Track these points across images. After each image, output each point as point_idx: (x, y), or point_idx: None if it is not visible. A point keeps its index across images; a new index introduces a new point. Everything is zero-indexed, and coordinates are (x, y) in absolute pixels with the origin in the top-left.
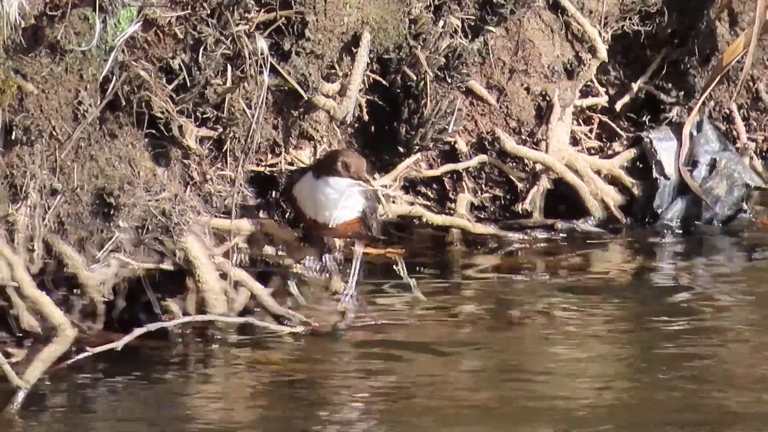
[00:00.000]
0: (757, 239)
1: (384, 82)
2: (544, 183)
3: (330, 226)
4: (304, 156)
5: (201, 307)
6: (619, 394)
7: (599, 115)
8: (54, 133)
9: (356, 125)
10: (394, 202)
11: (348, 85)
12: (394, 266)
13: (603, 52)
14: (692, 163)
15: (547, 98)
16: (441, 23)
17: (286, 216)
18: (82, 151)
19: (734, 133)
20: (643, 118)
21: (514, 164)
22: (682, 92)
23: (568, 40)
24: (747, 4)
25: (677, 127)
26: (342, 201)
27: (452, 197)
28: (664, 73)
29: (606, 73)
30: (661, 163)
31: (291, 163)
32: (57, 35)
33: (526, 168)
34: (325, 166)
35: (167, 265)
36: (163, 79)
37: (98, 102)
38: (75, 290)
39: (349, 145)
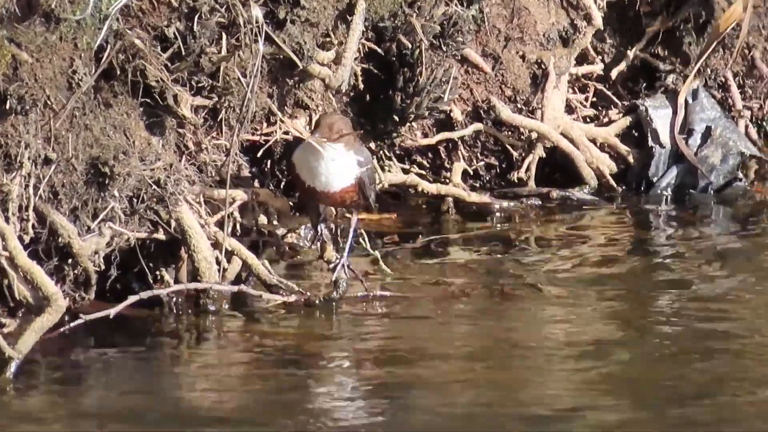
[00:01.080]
0: (752, 207)
1: (379, 50)
2: (539, 151)
3: (326, 192)
4: (300, 125)
5: (194, 276)
6: (611, 363)
7: (595, 83)
8: (48, 102)
9: (351, 94)
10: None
11: (343, 53)
12: (360, 239)
13: (598, 19)
14: (687, 131)
15: (543, 66)
16: None
17: (281, 185)
18: (76, 120)
19: (730, 101)
20: (639, 86)
21: (510, 133)
22: (678, 60)
23: (563, 8)
24: None
25: (673, 95)
26: (335, 166)
27: (447, 166)
28: (659, 40)
29: (601, 41)
30: (657, 131)
31: (286, 132)
32: (51, 4)
33: (522, 136)
34: (317, 131)
35: (161, 235)
36: (158, 47)
37: (93, 71)
38: (68, 260)
39: (344, 114)
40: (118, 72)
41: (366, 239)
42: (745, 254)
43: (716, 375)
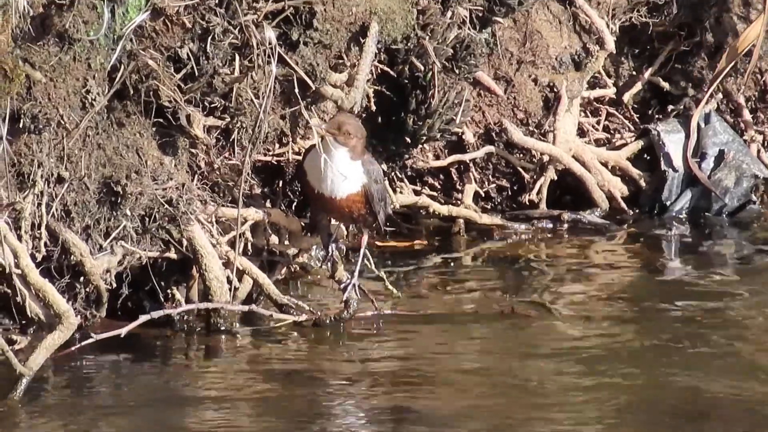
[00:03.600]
0: (766, 231)
1: (392, 72)
2: (551, 174)
3: (332, 198)
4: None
5: (205, 295)
6: (621, 384)
7: (607, 107)
8: (62, 121)
9: (364, 115)
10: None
11: (356, 75)
12: (366, 260)
13: (611, 43)
14: (700, 155)
15: (555, 90)
16: (449, 14)
17: (293, 205)
18: (89, 139)
19: (742, 125)
20: (651, 110)
21: (521, 155)
22: (690, 84)
23: (575, 32)
24: None
25: (685, 119)
26: (340, 169)
27: (459, 188)
28: (672, 64)
29: (614, 65)
30: (669, 155)
31: (298, 153)
32: (65, 24)
33: (533, 159)
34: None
35: (172, 254)
36: (171, 68)
37: (106, 91)
38: (80, 278)
39: None
40: (131, 92)
41: (371, 259)
42: (758, 279)
43: (729, 397)
